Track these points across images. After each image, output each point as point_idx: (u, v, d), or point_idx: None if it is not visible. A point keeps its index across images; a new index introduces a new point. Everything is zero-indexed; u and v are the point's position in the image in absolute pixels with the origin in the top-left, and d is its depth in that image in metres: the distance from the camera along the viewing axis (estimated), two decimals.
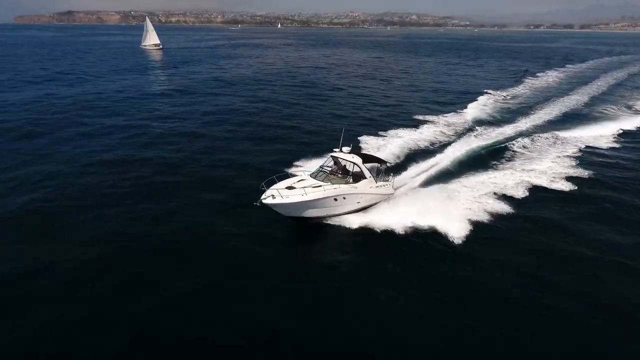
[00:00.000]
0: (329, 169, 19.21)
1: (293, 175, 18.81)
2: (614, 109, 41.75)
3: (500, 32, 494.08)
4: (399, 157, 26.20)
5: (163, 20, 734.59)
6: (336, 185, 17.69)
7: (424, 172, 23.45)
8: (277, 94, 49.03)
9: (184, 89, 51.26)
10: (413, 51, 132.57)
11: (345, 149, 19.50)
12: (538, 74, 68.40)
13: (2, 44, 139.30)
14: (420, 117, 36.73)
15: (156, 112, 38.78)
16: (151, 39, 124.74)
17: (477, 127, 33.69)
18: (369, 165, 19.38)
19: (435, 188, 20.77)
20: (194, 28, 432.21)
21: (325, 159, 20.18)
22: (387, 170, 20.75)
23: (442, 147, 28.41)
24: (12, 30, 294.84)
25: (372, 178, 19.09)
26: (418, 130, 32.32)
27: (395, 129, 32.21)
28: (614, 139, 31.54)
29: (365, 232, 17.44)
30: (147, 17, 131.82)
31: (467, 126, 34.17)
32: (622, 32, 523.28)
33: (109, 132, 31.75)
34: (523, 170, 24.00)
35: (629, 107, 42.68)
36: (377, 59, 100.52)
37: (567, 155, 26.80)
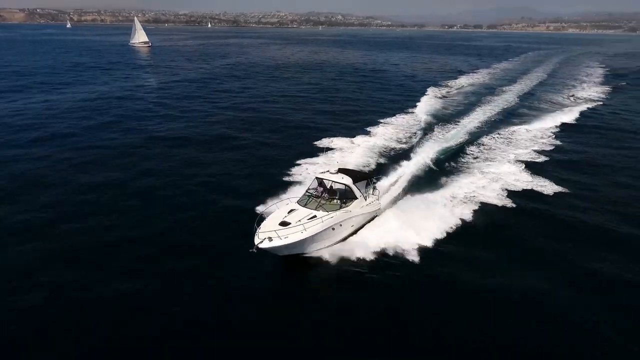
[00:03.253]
0: (315, 191, 18.28)
1: (276, 206, 17.91)
2: (555, 101, 49.14)
3: (423, 31, 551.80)
4: (366, 167, 25.77)
5: (75, 19, 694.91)
6: (332, 214, 16.82)
7: (394, 183, 23.56)
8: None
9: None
10: (372, 49, 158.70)
11: (333, 169, 18.88)
12: (476, 69, 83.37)
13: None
14: (375, 120, 37.74)
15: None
16: (140, 37, 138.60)
17: (433, 128, 35.50)
18: (357, 183, 18.65)
19: (411, 201, 20.51)
20: (118, 27, 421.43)
21: (311, 181, 19.16)
22: (369, 183, 19.93)
23: (404, 153, 28.95)
24: None
25: (362, 197, 18.51)
26: (375, 136, 32.69)
27: (350, 136, 32.22)
28: (564, 131, 35.54)
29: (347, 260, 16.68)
30: (135, 17, 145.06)
31: (422, 127, 35.57)
32: (523, 32, 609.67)
33: None
34: (490, 170, 25.50)
35: (565, 100, 50.36)
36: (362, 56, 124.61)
37: (531, 150, 29.72)
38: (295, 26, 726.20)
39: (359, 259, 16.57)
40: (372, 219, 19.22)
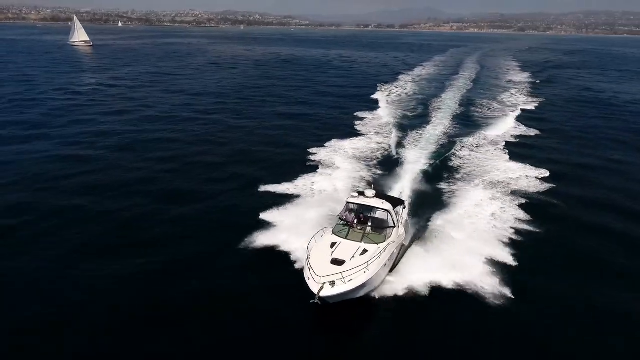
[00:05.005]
0: (346, 219, 16.13)
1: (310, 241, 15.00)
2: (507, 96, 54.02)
3: (345, 30, 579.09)
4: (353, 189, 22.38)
5: None
6: (381, 246, 14.73)
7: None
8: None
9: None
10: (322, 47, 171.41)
11: (369, 192, 16.71)
12: (417, 64, 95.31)
13: None
14: (346, 129, 36.68)
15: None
16: (80, 36, 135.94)
17: (403, 136, 34.72)
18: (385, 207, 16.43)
19: (432, 226, 18.82)
20: (18, 27, 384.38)
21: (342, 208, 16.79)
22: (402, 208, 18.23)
23: (388, 169, 27.10)
24: None
25: (399, 225, 16.46)
26: (349, 149, 30.65)
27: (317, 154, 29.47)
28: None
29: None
30: (74, 16, 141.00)
31: (392, 137, 33.92)
32: (432, 31, 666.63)
33: None
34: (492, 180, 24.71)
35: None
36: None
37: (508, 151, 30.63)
38: (213, 25, 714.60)
39: (410, 300, 14.61)
40: (401, 249, 16.96)
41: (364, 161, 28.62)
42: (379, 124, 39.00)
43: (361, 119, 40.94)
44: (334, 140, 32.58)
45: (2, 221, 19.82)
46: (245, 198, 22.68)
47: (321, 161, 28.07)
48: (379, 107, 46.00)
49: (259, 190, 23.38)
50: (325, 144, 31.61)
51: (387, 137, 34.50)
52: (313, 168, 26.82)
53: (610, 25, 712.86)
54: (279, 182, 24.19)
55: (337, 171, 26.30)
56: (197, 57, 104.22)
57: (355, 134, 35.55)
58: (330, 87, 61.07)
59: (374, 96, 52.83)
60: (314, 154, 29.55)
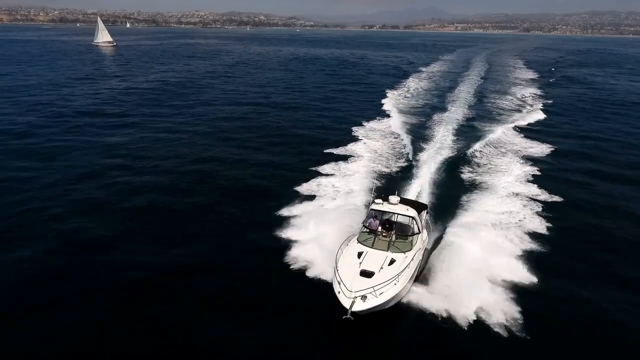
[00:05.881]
0: (370, 227, 16.08)
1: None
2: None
3: (352, 31, 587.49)
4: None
5: None
6: (408, 254, 14.76)
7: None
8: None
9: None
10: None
11: (393, 198, 16.65)
12: (427, 63, 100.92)
13: None
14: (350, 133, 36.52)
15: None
16: (104, 37, 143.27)
17: (426, 120, 39.77)
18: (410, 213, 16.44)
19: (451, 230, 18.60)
20: (25, 28, 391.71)
21: (366, 215, 17.05)
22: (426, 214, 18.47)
23: (400, 174, 27.13)
24: None
25: (424, 230, 16.68)
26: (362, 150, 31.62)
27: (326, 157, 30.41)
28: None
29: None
30: (98, 17, 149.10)
31: (401, 140, 34.54)
32: (436, 31, 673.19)
33: None
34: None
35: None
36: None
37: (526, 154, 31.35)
38: (219, 26, 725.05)
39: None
40: (424, 253, 16.63)
41: (395, 136, 36.08)
42: (403, 110, 46.32)
43: (386, 105, 48.72)
44: (370, 121, 40.54)
45: (162, 179, 27.49)
46: (312, 158, 30.68)
47: (360, 135, 35.92)
48: (401, 98, 53.46)
49: (323, 151, 31.81)
50: (363, 124, 39.53)
51: (413, 120, 41.90)
52: (356, 139, 34.78)
53: (616, 25, 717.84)
54: (334, 147, 32.61)
55: (375, 143, 34.09)
56: (222, 57, 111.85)
57: (385, 116, 43.45)
58: (355, 81, 68.81)
59: (395, 90, 59.61)
60: (355, 130, 37.33)
